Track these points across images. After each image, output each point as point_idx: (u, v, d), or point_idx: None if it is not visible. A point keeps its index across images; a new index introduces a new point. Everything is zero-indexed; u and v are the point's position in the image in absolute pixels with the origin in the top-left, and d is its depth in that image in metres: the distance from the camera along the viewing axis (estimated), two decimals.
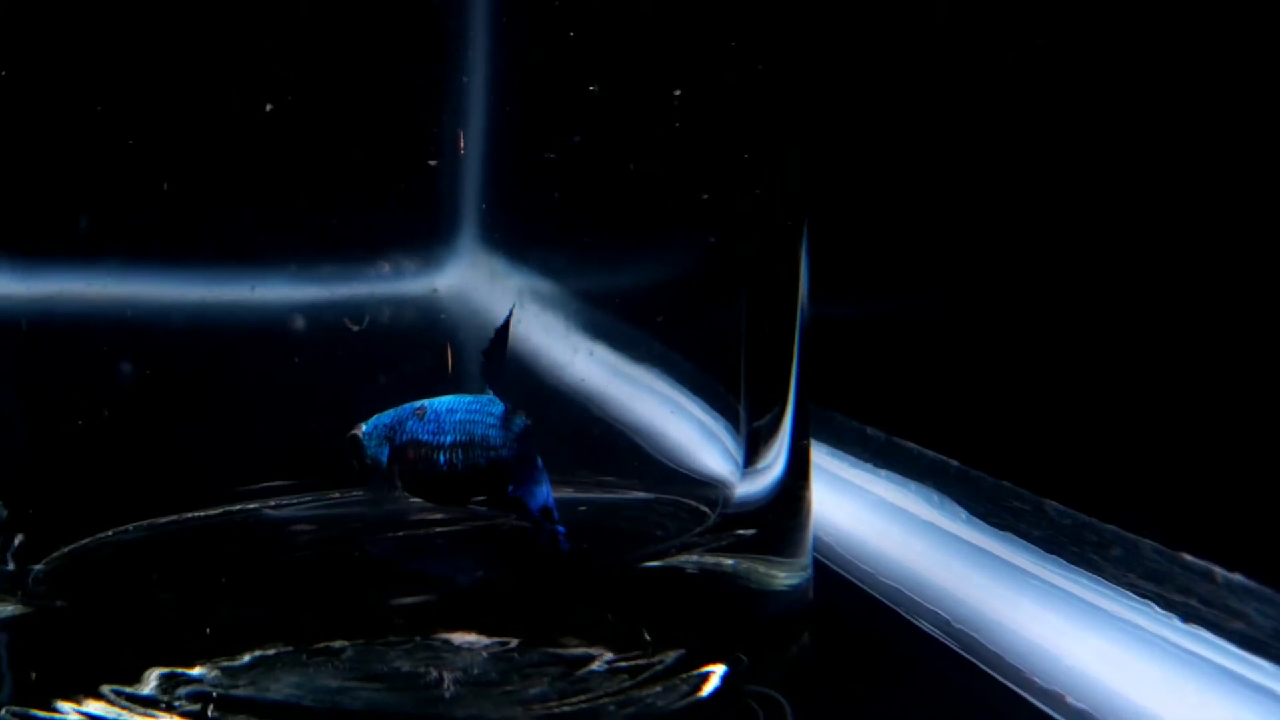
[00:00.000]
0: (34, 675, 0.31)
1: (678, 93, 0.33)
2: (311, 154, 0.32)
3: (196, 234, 0.32)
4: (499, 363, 0.32)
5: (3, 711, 0.31)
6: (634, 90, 0.33)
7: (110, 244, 0.32)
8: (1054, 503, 0.36)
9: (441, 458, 0.32)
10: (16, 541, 0.32)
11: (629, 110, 0.33)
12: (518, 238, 0.34)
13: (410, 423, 0.32)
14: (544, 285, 0.34)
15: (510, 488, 0.32)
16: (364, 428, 0.32)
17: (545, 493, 0.32)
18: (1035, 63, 0.38)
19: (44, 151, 0.32)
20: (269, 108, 0.31)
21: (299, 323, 0.33)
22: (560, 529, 0.32)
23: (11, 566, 0.32)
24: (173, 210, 0.32)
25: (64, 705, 0.30)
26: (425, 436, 0.32)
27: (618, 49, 0.33)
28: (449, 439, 0.32)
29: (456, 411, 0.32)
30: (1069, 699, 0.31)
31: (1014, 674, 0.32)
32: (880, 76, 0.44)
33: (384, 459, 0.32)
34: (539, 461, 0.32)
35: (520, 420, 0.32)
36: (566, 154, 0.33)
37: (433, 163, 0.32)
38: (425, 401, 0.32)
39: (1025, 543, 0.36)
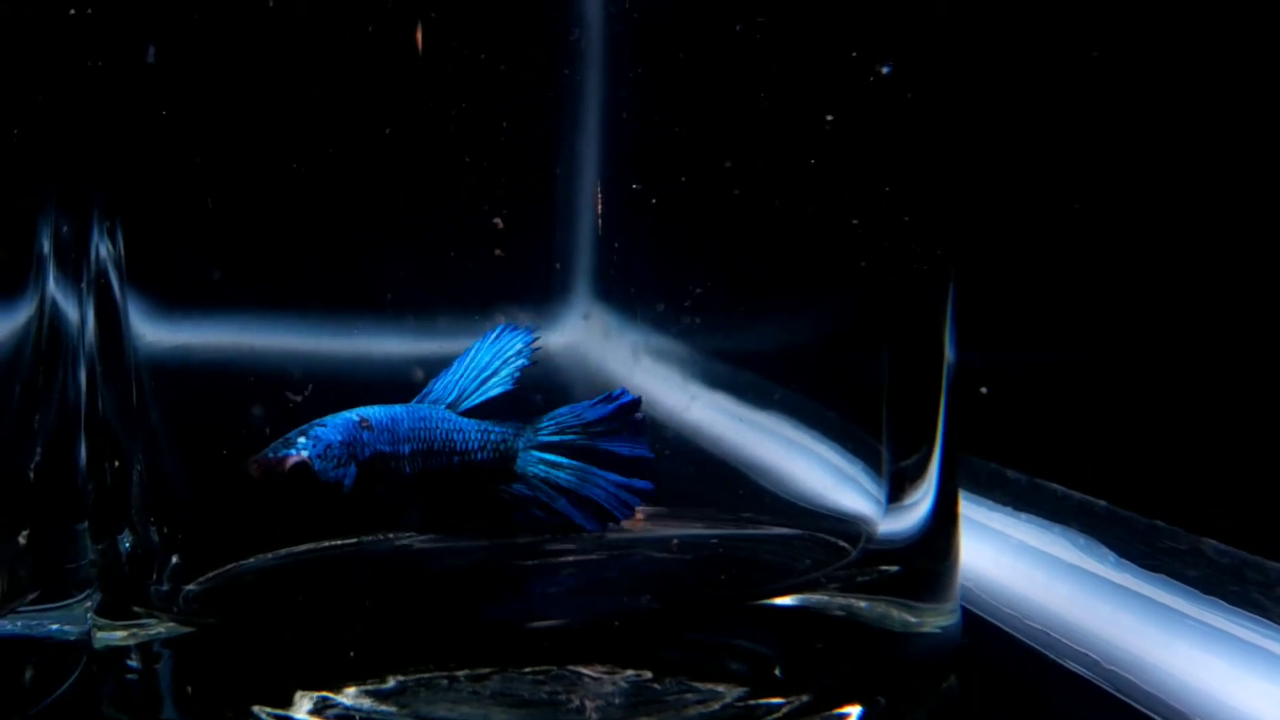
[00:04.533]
0: (189, 689, 0.31)
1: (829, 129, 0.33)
2: (431, 211, 0.33)
3: (320, 287, 0.33)
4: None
5: None
6: (766, 139, 0.33)
7: (241, 295, 0.33)
8: (1213, 541, 0.34)
9: (437, 463, 0.29)
10: (173, 562, 0.33)
11: (760, 158, 0.33)
12: (633, 292, 0.34)
13: (366, 435, 0.29)
14: (660, 341, 0.33)
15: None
16: (304, 454, 0.29)
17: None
18: (1167, 109, 0.38)
19: (184, 210, 0.33)
20: (389, 165, 0.32)
21: (419, 376, 0.33)
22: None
23: (166, 586, 0.33)
24: (299, 265, 0.33)
25: None
26: (386, 448, 0.29)
27: (748, 103, 0.33)
28: (436, 445, 0.30)
29: (403, 420, 0.30)
30: None
31: (1176, 715, 0.31)
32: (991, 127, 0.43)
33: (348, 481, 0.29)
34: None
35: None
36: (691, 205, 0.33)
37: (497, 221, 0.32)
38: (352, 413, 0.29)
39: (1179, 584, 0.35)
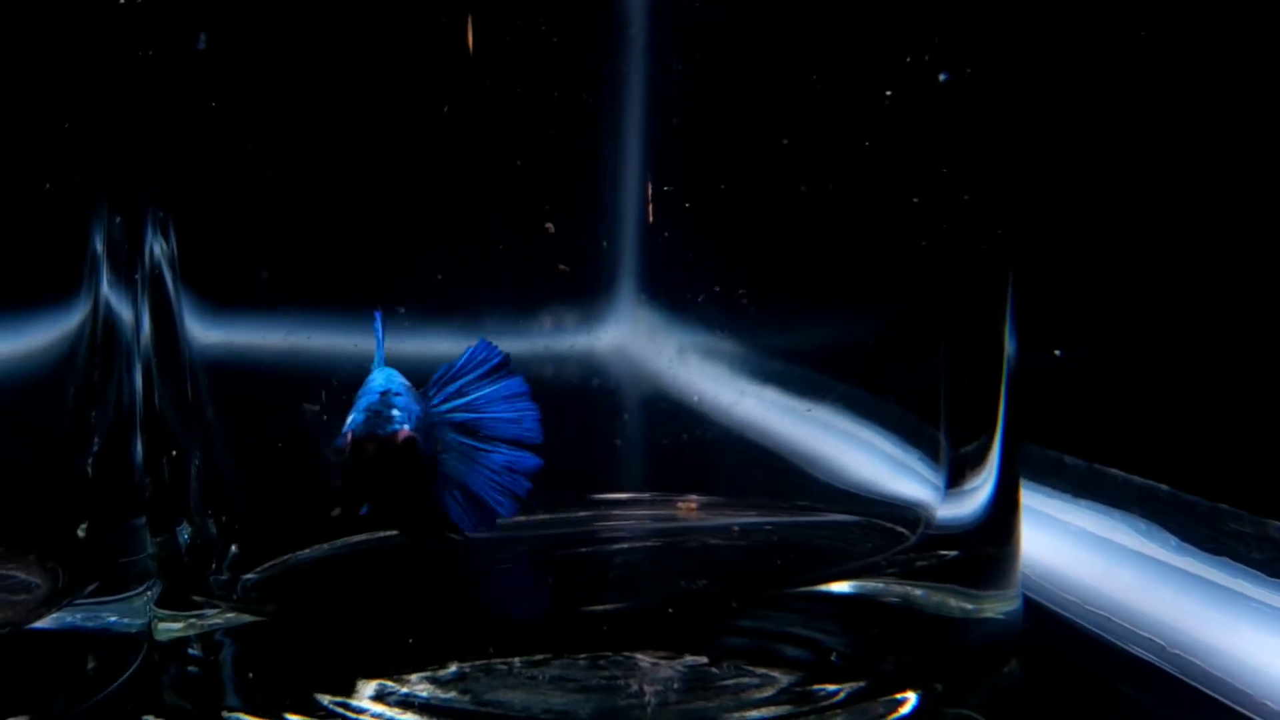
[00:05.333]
0: (251, 677, 0.31)
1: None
2: (479, 210, 0.33)
3: (369, 285, 0.33)
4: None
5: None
6: (819, 130, 0.33)
7: (294, 293, 0.33)
8: (1278, 523, 0.34)
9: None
10: (231, 552, 0.33)
11: (813, 150, 0.33)
12: (679, 292, 0.34)
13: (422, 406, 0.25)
14: (707, 339, 0.33)
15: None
16: (406, 427, 0.25)
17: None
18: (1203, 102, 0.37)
19: (237, 207, 0.33)
20: (439, 163, 0.32)
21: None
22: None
23: (225, 576, 0.33)
24: (345, 266, 0.33)
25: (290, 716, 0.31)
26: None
27: (800, 94, 0.32)
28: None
29: (394, 390, 0.27)
30: None
31: (1241, 699, 0.31)
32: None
33: (429, 454, 0.26)
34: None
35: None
36: (743, 200, 0.33)
37: (549, 226, 0.32)
38: (391, 383, 0.26)
39: (1243, 567, 0.34)
